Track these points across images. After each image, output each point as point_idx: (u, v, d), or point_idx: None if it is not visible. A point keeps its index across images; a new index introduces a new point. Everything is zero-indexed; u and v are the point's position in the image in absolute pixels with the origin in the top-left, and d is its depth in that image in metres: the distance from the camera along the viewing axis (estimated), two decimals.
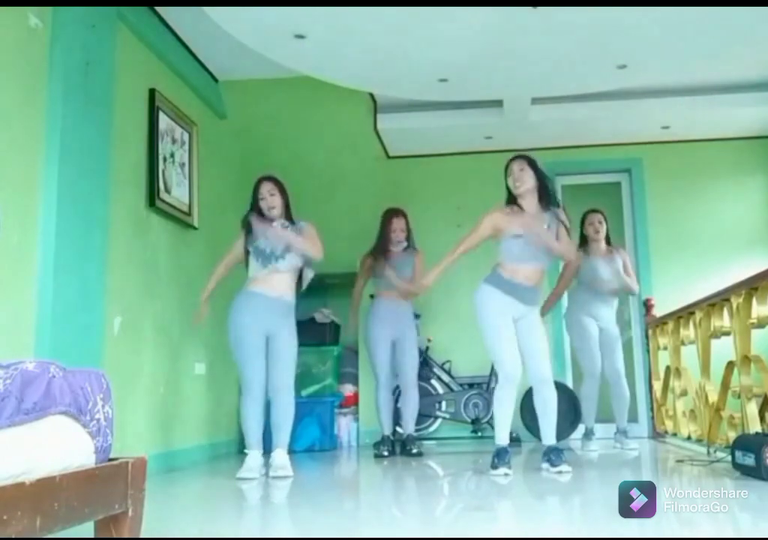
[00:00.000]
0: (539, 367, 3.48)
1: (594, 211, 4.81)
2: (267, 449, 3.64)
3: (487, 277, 3.53)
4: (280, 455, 3.54)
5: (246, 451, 3.57)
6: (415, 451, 4.44)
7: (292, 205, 3.78)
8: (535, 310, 3.59)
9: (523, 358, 3.50)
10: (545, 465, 3.43)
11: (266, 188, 3.69)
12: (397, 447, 4.59)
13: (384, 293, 4.62)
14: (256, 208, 3.72)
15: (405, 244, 4.67)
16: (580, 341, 4.69)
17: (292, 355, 3.64)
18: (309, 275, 3.73)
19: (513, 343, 3.44)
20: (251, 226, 3.67)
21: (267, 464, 3.54)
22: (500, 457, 3.39)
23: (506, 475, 3.33)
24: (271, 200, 3.66)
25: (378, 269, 4.61)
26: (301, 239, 3.61)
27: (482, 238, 3.54)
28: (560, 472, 3.33)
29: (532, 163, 3.53)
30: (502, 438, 3.46)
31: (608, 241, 4.77)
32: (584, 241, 4.76)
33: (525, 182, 3.49)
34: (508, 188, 3.58)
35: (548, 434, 3.50)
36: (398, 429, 4.75)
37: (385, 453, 4.45)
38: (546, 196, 3.54)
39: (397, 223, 4.65)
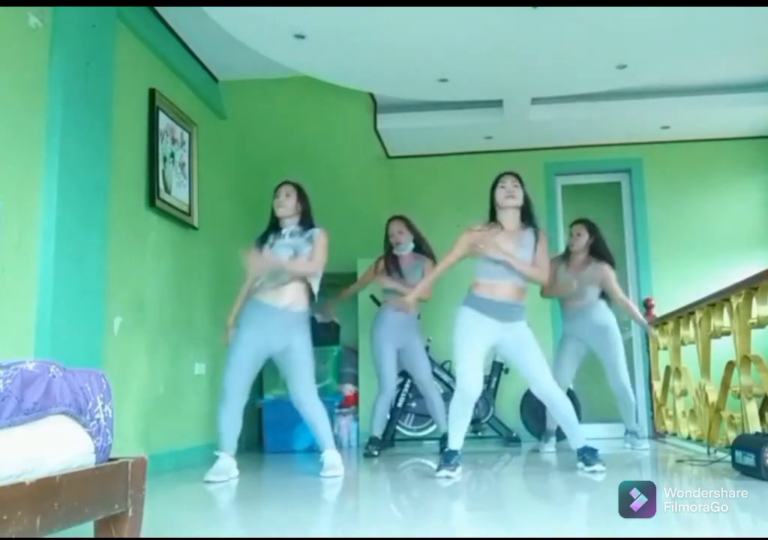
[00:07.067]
0: (541, 383, 3.48)
1: (577, 221, 4.61)
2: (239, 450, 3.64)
3: (464, 298, 3.56)
4: (329, 456, 3.57)
5: (216, 453, 3.54)
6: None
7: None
8: (520, 325, 3.53)
9: (523, 375, 3.56)
10: (580, 464, 3.46)
11: (284, 190, 3.74)
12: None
13: (390, 300, 4.63)
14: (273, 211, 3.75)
15: (411, 246, 4.69)
16: (558, 358, 4.54)
17: (308, 362, 3.63)
18: (314, 285, 3.68)
19: (479, 362, 3.44)
20: (261, 244, 3.70)
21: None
22: (446, 459, 3.41)
23: (448, 477, 3.32)
24: (284, 200, 3.70)
25: (381, 275, 4.69)
26: (291, 262, 3.57)
27: (458, 257, 3.61)
28: (594, 472, 3.36)
29: (522, 182, 3.61)
30: (453, 443, 3.48)
31: (595, 253, 4.48)
32: (567, 253, 4.61)
33: (517, 198, 3.55)
34: (492, 202, 3.61)
35: (573, 440, 3.56)
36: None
37: (375, 452, 4.50)
38: (529, 215, 3.61)
39: (394, 227, 4.70)
